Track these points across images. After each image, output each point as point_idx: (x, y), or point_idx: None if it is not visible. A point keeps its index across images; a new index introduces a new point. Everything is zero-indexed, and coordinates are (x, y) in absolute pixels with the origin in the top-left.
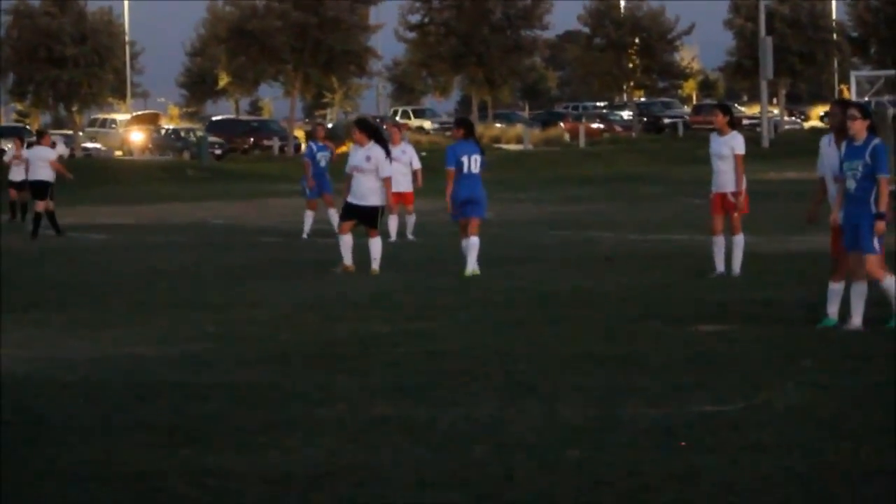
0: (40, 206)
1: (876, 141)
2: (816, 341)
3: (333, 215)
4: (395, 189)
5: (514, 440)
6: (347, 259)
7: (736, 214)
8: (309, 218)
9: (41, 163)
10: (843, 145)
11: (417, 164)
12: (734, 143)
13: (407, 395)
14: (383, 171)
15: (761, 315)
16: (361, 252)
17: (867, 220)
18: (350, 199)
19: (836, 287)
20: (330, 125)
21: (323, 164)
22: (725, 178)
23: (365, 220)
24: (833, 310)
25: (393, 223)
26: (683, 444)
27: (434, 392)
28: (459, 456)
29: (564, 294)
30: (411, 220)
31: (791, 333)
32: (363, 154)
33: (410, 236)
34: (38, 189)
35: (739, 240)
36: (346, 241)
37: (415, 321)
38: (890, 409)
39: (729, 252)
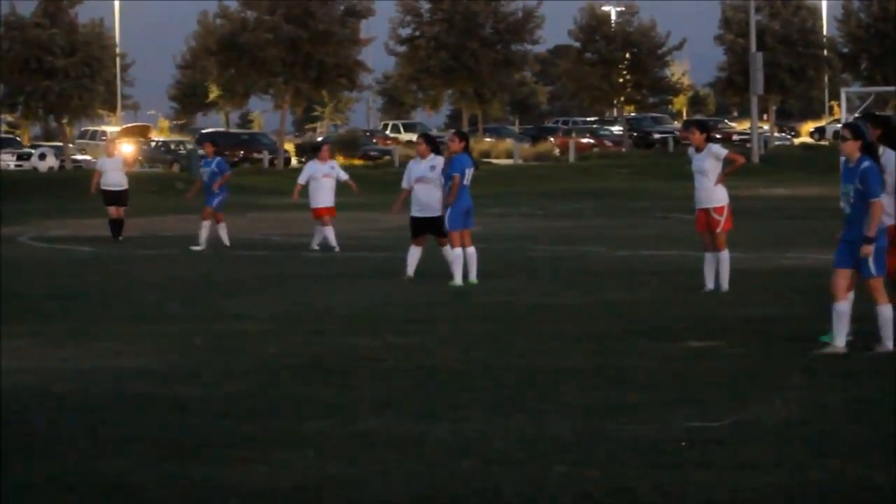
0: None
1: (866, 163)
2: (805, 358)
3: (205, 228)
4: (322, 204)
5: (501, 455)
6: (411, 270)
7: (718, 230)
8: (203, 227)
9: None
10: (841, 166)
11: (345, 177)
12: (714, 151)
13: (394, 409)
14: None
15: (750, 331)
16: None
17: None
18: (416, 213)
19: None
20: (320, 138)
21: (205, 178)
22: (707, 194)
23: (434, 230)
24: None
25: (318, 233)
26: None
27: (421, 406)
28: (447, 470)
29: (552, 308)
30: (330, 232)
31: (779, 350)
32: (427, 165)
33: (335, 247)
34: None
35: (724, 256)
36: (415, 253)
37: (401, 335)
38: (877, 425)
39: (718, 268)
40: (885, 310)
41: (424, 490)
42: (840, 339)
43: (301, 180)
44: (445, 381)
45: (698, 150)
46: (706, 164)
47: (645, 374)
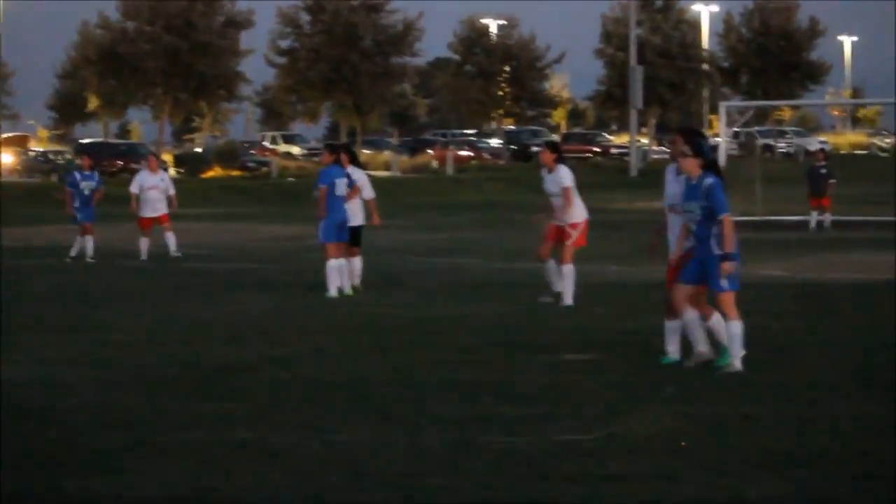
0: None
1: (708, 180)
2: (677, 370)
3: (89, 241)
4: (152, 213)
5: (374, 467)
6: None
7: (568, 243)
8: (86, 241)
9: None
10: (683, 183)
11: (172, 191)
12: (560, 177)
13: (268, 420)
14: (367, 193)
15: (624, 344)
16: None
17: (713, 260)
18: None
19: (672, 325)
20: (198, 149)
21: (87, 192)
22: (563, 212)
23: (349, 240)
24: (673, 348)
25: (144, 244)
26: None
27: (295, 418)
28: (318, 483)
29: (428, 321)
30: (171, 238)
31: (653, 362)
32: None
33: (176, 253)
34: None
35: (568, 269)
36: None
37: (278, 346)
38: (750, 439)
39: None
40: (735, 325)
41: (294, 502)
42: (703, 345)
43: (133, 190)
44: (319, 393)
45: (549, 170)
46: (554, 188)
47: (519, 387)
